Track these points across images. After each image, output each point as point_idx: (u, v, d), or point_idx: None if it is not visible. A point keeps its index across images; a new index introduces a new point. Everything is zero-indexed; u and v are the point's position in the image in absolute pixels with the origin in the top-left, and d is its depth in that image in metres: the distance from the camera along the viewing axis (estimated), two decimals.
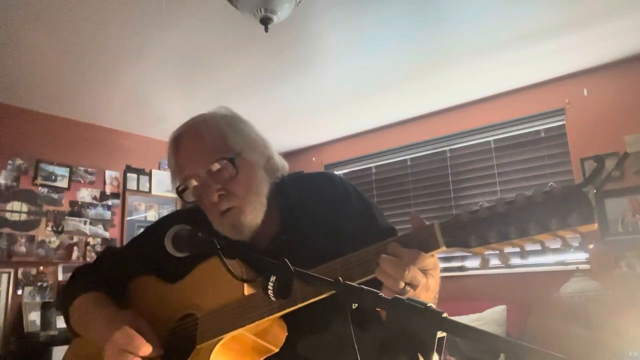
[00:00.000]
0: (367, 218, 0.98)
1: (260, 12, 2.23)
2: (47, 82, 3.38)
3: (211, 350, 0.83)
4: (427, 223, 0.71)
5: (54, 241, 3.83)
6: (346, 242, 0.78)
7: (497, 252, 0.65)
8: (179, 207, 4.65)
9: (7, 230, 3.58)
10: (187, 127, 0.98)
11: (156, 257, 0.94)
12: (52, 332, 3.46)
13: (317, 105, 4.04)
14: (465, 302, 3.62)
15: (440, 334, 0.52)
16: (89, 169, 4.17)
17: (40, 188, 3.82)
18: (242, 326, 0.82)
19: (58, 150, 3.97)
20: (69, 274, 1.11)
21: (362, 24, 2.76)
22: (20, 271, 3.60)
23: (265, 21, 2.28)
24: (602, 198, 3.35)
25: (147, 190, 4.56)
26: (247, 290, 0.84)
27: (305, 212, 0.98)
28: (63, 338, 3.34)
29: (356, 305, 0.58)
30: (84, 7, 2.46)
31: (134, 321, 0.89)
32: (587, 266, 3.34)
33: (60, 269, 3.82)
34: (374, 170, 4.80)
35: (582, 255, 3.43)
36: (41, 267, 3.72)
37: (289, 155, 5.19)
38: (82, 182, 4.11)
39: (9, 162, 3.68)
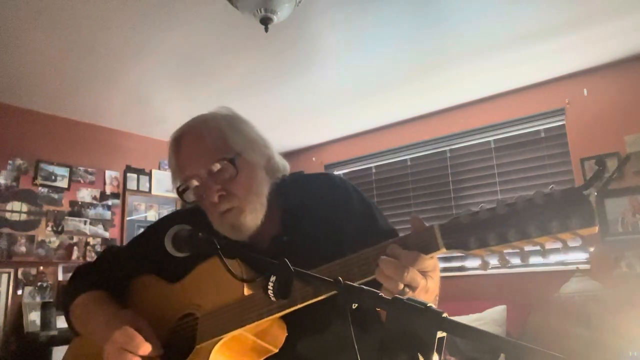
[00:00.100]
0: (368, 219, 0.98)
1: (260, 12, 2.23)
2: (47, 82, 3.38)
3: (210, 350, 0.83)
4: (427, 224, 0.71)
5: (54, 241, 3.83)
6: (346, 243, 0.78)
7: (497, 254, 0.65)
8: (179, 207, 4.65)
9: (7, 230, 3.58)
10: (188, 127, 0.98)
11: (157, 257, 0.94)
12: (52, 332, 3.45)
13: (317, 105, 4.04)
14: (465, 302, 3.62)
15: (440, 334, 0.52)
16: (89, 169, 4.17)
17: (40, 188, 3.82)
18: (241, 326, 0.82)
19: (58, 150, 3.97)
20: (69, 274, 1.11)
21: (362, 24, 2.76)
22: (20, 271, 3.60)
23: (265, 21, 2.28)
24: (602, 198, 3.34)
25: (147, 190, 4.56)
26: (247, 290, 0.84)
27: (305, 213, 0.98)
28: (63, 338, 3.34)
29: (356, 305, 0.58)
30: (84, 7, 2.46)
31: (134, 321, 0.89)
32: (587, 266, 3.34)
33: (60, 269, 3.82)
34: (374, 170, 4.80)
35: (582, 255, 3.43)
36: (41, 267, 3.72)
37: (289, 155, 5.19)
38: (82, 182, 4.11)
39: (9, 162, 3.68)
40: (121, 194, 4.37)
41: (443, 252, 0.70)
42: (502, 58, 3.29)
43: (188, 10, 2.52)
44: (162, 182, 4.64)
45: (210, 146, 0.92)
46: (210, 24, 2.68)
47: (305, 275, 0.65)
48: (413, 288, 0.69)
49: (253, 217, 0.92)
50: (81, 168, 4.11)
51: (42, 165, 3.86)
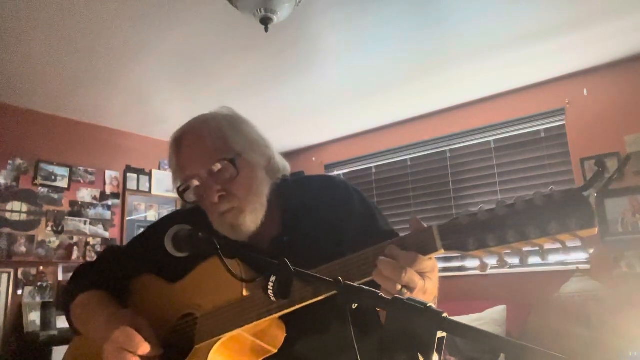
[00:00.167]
0: (368, 220, 0.98)
1: (260, 12, 2.23)
2: (47, 82, 3.38)
3: (209, 351, 0.83)
4: (425, 225, 0.71)
5: (54, 241, 3.83)
6: (347, 244, 0.78)
7: (496, 255, 0.65)
8: (179, 207, 4.65)
9: (7, 230, 3.58)
10: (189, 127, 0.98)
11: (157, 257, 0.95)
12: (52, 332, 3.46)
13: (317, 105, 4.04)
14: (465, 302, 3.62)
15: (440, 334, 0.52)
16: (89, 169, 4.17)
17: (40, 188, 3.82)
18: (240, 326, 0.82)
19: (58, 150, 3.97)
20: (69, 274, 1.11)
21: (362, 24, 2.76)
22: (20, 271, 3.60)
23: (265, 21, 2.28)
24: (602, 198, 3.34)
25: (147, 190, 4.56)
26: (246, 290, 0.84)
27: (306, 213, 0.98)
28: (63, 338, 3.34)
29: (356, 305, 0.58)
30: (84, 7, 2.46)
31: (134, 320, 0.89)
32: (587, 266, 3.34)
33: (60, 269, 3.82)
34: (374, 170, 4.80)
35: (582, 255, 3.42)
36: (41, 267, 3.72)
37: (289, 155, 5.18)
38: (82, 182, 4.11)
39: (9, 162, 3.68)
40: (121, 194, 4.37)
41: (441, 253, 0.70)
42: (502, 58, 3.29)
43: (188, 10, 2.52)
44: (162, 182, 4.64)
45: (210, 146, 0.92)
46: (211, 24, 2.68)
47: (305, 275, 0.65)
48: (411, 289, 0.69)
49: (253, 217, 0.92)
50: (81, 168, 4.11)
51: (42, 165, 3.86)
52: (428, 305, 0.53)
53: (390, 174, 4.67)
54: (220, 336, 0.84)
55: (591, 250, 0.58)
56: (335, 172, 5.07)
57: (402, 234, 0.76)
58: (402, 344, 0.52)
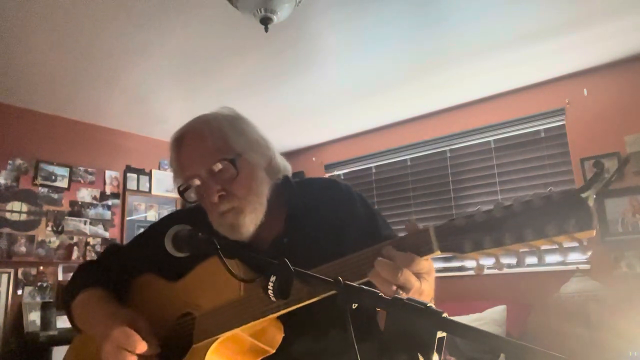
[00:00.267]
0: (370, 224, 0.98)
1: (260, 12, 2.23)
2: (47, 82, 3.38)
3: (207, 350, 0.83)
4: (421, 227, 0.71)
5: (54, 241, 3.83)
6: (347, 248, 0.78)
7: (493, 257, 0.65)
8: (179, 208, 4.65)
9: (7, 230, 3.58)
10: (190, 127, 0.98)
11: (157, 256, 0.95)
12: (52, 332, 3.46)
13: (317, 105, 4.04)
14: (465, 302, 3.62)
15: (440, 334, 0.52)
16: (89, 169, 4.17)
17: (40, 188, 3.82)
18: (238, 326, 0.82)
19: (58, 150, 3.97)
20: (69, 274, 1.12)
21: (362, 24, 2.76)
22: (20, 271, 3.60)
23: (265, 21, 2.28)
24: (602, 198, 3.34)
25: (147, 190, 4.56)
26: (245, 290, 0.84)
27: (308, 216, 0.98)
28: (63, 338, 3.34)
29: (356, 305, 0.58)
30: (85, 7, 2.46)
31: (133, 319, 0.89)
32: (587, 266, 3.34)
33: (60, 269, 3.82)
34: (374, 170, 4.80)
35: (581, 256, 3.43)
36: (41, 267, 3.72)
37: (289, 155, 5.17)
38: (82, 182, 4.11)
39: (9, 162, 3.68)
40: (121, 194, 4.37)
41: (438, 255, 0.69)
42: (502, 58, 3.29)
43: (188, 10, 2.52)
44: (162, 182, 4.64)
45: (211, 146, 0.92)
46: (211, 24, 2.68)
47: (305, 275, 0.65)
48: (407, 290, 0.68)
49: (253, 217, 0.92)
50: (81, 168, 4.11)
51: (42, 165, 3.86)
52: (428, 305, 0.53)
53: (390, 174, 4.67)
54: (218, 336, 0.84)
55: (589, 253, 0.58)
56: (335, 172, 5.07)
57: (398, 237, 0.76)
58: (402, 344, 0.52)
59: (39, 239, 3.75)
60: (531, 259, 0.62)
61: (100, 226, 4.16)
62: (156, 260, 1.00)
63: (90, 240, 4.06)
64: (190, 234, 0.81)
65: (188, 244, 0.81)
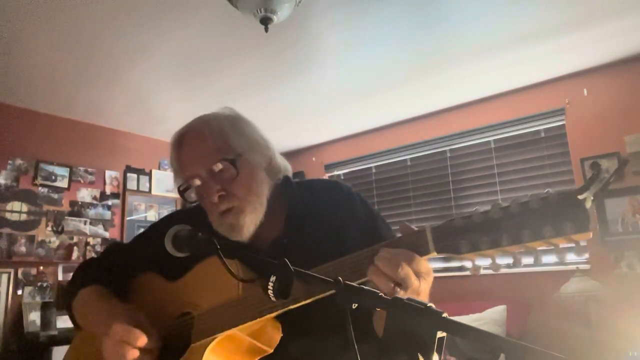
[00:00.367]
0: (371, 227, 0.98)
1: (260, 12, 2.23)
2: (47, 82, 3.38)
3: (205, 349, 0.84)
4: (416, 229, 0.71)
5: (54, 241, 3.83)
6: (348, 250, 0.79)
7: (489, 258, 0.65)
8: (179, 207, 4.65)
9: (7, 230, 3.58)
10: (190, 127, 0.98)
11: (158, 256, 0.95)
12: (52, 332, 3.46)
13: (317, 105, 4.04)
14: (465, 302, 3.62)
15: (440, 334, 0.52)
16: (89, 169, 4.17)
17: (40, 188, 3.82)
18: (236, 326, 0.82)
19: (58, 150, 3.97)
20: (69, 274, 1.12)
21: (362, 24, 2.76)
22: (20, 271, 3.60)
23: (265, 21, 2.28)
24: (602, 198, 3.34)
25: (147, 190, 4.56)
26: (243, 290, 0.84)
27: (309, 217, 0.98)
28: (63, 338, 3.34)
29: (356, 305, 0.58)
30: (85, 7, 2.46)
31: (132, 314, 0.90)
32: (587, 266, 3.34)
33: (60, 269, 3.82)
34: (374, 170, 4.80)
35: (578, 257, 3.43)
36: (41, 267, 3.72)
37: (289, 155, 5.18)
38: (82, 182, 4.11)
39: (9, 162, 3.68)
40: (121, 194, 4.37)
41: (434, 256, 0.69)
42: (502, 58, 3.29)
43: (188, 10, 2.52)
44: (162, 182, 4.64)
45: (211, 146, 0.92)
46: (211, 24, 2.68)
47: (305, 275, 0.65)
48: (405, 287, 0.68)
49: (252, 217, 0.92)
50: (81, 168, 4.11)
51: (42, 165, 3.86)
52: (428, 305, 0.53)
53: (390, 174, 4.67)
54: (216, 335, 0.84)
55: (585, 254, 0.58)
56: (335, 172, 5.07)
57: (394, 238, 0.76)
58: (402, 344, 0.52)
59: (39, 239, 3.75)
60: (527, 260, 0.62)
61: (100, 226, 4.16)
62: (156, 259, 1.00)
63: (90, 240, 4.06)
64: (190, 234, 0.81)
65: (188, 244, 0.81)
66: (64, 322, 3.51)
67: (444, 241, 0.67)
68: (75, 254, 3.92)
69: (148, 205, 4.66)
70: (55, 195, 3.91)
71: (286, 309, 0.78)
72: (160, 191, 4.63)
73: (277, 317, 0.84)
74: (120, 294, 1.02)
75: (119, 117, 4.13)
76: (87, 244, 4.03)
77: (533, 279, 3.54)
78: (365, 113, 4.31)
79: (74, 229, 3.97)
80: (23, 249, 3.64)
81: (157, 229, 1.06)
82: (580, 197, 0.56)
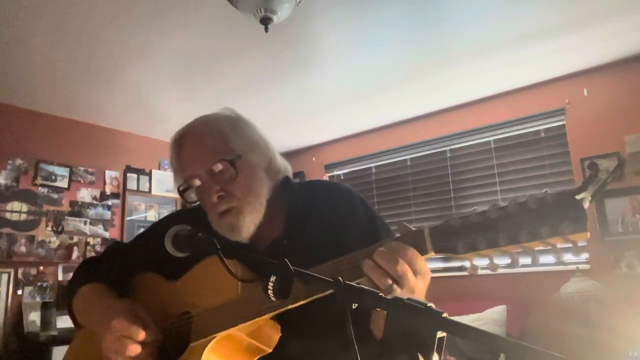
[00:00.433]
0: (371, 229, 0.98)
1: (260, 12, 2.23)
2: (48, 82, 3.38)
3: (203, 349, 0.84)
4: (414, 229, 0.71)
5: (54, 241, 3.83)
6: (347, 251, 0.79)
7: (486, 258, 0.65)
8: (179, 208, 4.65)
9: (7, 230, 3.58)
10: (190, 127, 0.99)
11: (158, 256, 0.95)
12: (52, 332, 3.46)
13: (317, 105, 4.04)
14: (465, 302, 3.62)
15: (440, 334, 0.52)
16: (89, 169, 4.17)
17: (40, 188, 3.82)
18: (234, 325, 0.83)
19: (58, 150, 3.97)
20: (69, 274, 1.13)
21: (362, 24, 2.76)
22: (20, 271, 3.60)
23: (265, 21, 2.28)
24: (602, 198, 3.35)
25: (147, 190, 4.56)
26: (242, 290, 0.85)
27: (309, 219, 0.99)
28: (63, 338, 3.34)
29: (356, 305, 0.58)
30: (85, 7, 2.46)
31: (132, 308, 0.90)
32: (587, 266, 3.34)
33: (60, 269, 3.82)
34: (374, 170, 4.80)
35: (582, 255, 3.43)
36: (41, 267, 3.72)
37: (289, 155, 5.18)
38: (82, 182, 4.11)
39: (9, 162, 3.68)
40: (121, 194, 4.37)
41: (432, 256, 0.69)
42: (502, 58, 3.29)
43: (188, 10, 2.52)
44: (162, 182, 4.64)
45: (210, 147, 0.93)
46: (211, 24, 2.68)
47: (305, 275, 0.65)
48: (402, 284, 0.68)
49: (252, 218, 0.93)
50: (81, 168, 4.11)
51: (42, 165, 3.86)
52: (428, 305, 0.53)
53: (390, 174, 4.67)
54: (215, 335, 0.84)
55: (582, 254, 0.58)
56: (335, 172, 5.07)
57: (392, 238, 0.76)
58: (402, 344, 0.52)
59: (39, 239, 3.75)
60: (525, 260, 0.62)
61: (100, 226, 4.16)
62: (156, 259, 1.00)
63: (90, 240, 4.06)
64: (190, 234, 0.82)
65: (188, 244, 0.81)
66: (64, 322, 3.51)
67: (441, 241, 0.67)
68: (75, 254, 3.92)
69: (148, 205, 4.66)
70: (55, 195, 3.91)
71: (285, 308, 0.78)
72: (160, 191, 4.63)
73: (276, 317, 0.84)
74: (121, 293, 1.02)
75: (119, 117, 4.13)
76: (87, 244, 4.03)
77: (533, 279, 3.54)
78: (365, 113, 4.31)
79: (74, 229, 3.97)
80: (23, 249, 3.64)
81: (158, 229, 1.06)
82: (577, 197, 0.56)
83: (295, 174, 1.09)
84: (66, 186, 3.98)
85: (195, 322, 0.90)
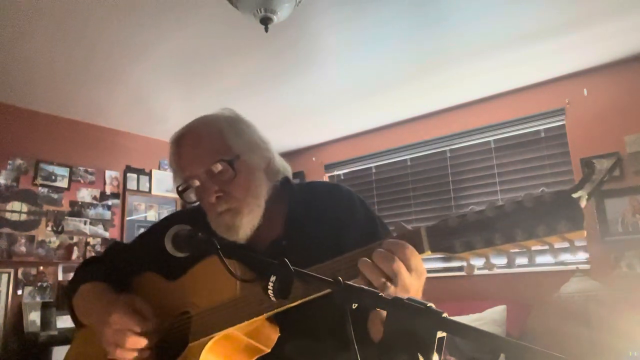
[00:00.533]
0: (370, 231, 0.98)
1: (260, 12, 2.23)
2: (48, 82, 3.38)
3: (202, 349, 0.84)
4: (410, 228, 0.71)
5: (54, 241, 3.83)
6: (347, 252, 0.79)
7: (483, 257, 0.64)
8: (179, 208, 4.65)
9: (7, 230, 3.58)
10: (189, 128, 0.99)
11: (158, 256, 0.95)
12: (52, 332, 3.46)
13: (317, 105, 4.04)
14: (465, 302, 3.62)
15: (440, 334, 0.52)
16: (89, 169, 4.17)
17: (40, 188, 3.82)
18: (232, 325, 0.83)
19: (58, 150, 3.97)
20: (69, 274, 1.13)
21: (362, 24, 2.76)
22: (20, 271, 3.60)
23: (265, 21, 2.28)
24: (602, 198, 3.34)
25: (147, 190, 4.56)
26: (241, 290, 0.85)
27: (309, 220, 0.99)
28: (63, 338, 3.34)
29: (356, 305, 0.58)
30: (85, 7, 2.46)
31: (131, 302, 0.90)
32: (587, 266, 3.34)
33: (60, 269, 3.81)
34: (374, 170, 4.80)
35: (582, 255, 3.43)
36: (41, 267, 3.72)
37: (289, 155, 5.18)
38: (82, 182, 4.11)
39: (9, 162, 3.68)
40: (121, 194, 4.37)
41: (428, 255, 0.69)
42: (502, 58, 3.29)
43: (188, 10, 2.52)
44: (162, 182, 4.64)
45: (209, 147, 0.93)
46: (211, 24, 2.68)
47: (305, 275, 0.65)
48: (396, 282, 0.67)
49: (250, 218, 0.93)
50: (81, 168, 4.11)
51: (42, 165, 3.86)
52: (428, 305, 0.53)
53: (390, 174, 4.67)
54: (214, 335, 0.84)
55: (585, 255, 0.58)
56: (335, 172, 5.07)
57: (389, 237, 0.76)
58: (402, 344, 0.52)
59: (39, 239, 3.75)
60: (522, 260, 0.62)
61: (100, 226, 4.16)
62: (157, 259, 1.00)
63: (90, 240, 4.06)
64: (190, 233, 0.82)
65: (188, 244, 0.81)
66: (64, 322, 3.51)
67: (438, 240, 0.67)
68: (75, 254, 3.92)
69: (148, 205, 4.65)
70: (55, 195, 3.91)
71: (283, 308, 0.78)
72: (160, 191, 4.63)
73: (274, 317, 0.84)
74: (121, 291, 1.03)
75: (119, 117, 4.13)
76: (87, 244, 4.03)
77: (533, 279, 3.54)
78: (365, 113, 4.31)
79: (74, 229, 3.97)
80: (23, 249, 3.64)
81: (158, 229, 1.07)
82: (574, 195, 0.56)
83: (295, 174, 1.09)
84: (66, 186, 3.98)
85: (194, 322, 0.90)
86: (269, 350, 0.87)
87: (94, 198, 4.16)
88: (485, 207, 0.63)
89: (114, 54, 2.98)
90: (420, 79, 3.59)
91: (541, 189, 0.59)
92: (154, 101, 3.80)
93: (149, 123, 4.26)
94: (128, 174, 4.45)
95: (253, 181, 0.94)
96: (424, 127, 4.40)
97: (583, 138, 3.55)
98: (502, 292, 3.58)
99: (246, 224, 0.92)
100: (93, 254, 3.92)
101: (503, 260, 0.64)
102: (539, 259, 0.60)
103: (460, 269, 3.94)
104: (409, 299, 0.55)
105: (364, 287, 0.59)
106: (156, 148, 4.58)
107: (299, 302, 0.76)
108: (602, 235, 3.32)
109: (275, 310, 0.79)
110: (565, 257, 3.44)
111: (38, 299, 3.62)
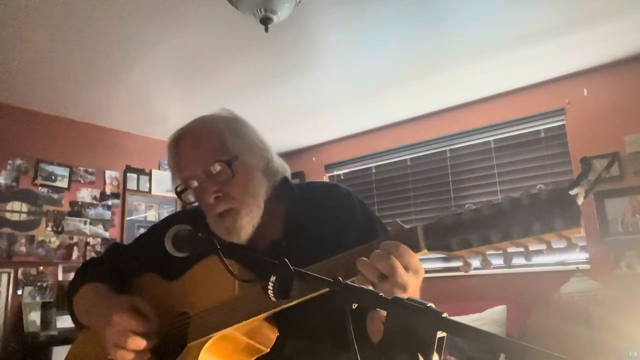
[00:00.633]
0: (369, 232, 0.98)
1: (260, 12, 2.23)
2: (48, 82, 3.38)
3: (200, 349, 0.84)
4: (407, 227, 0.71)
5: (54, 241, 3.83)
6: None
7: (480, 255, 0.64)
8: (179, 208, 4.65)
9: (7, 230, 3.58)
10: (187, 128, 0.99)
11: (158, 256, 0.95)
12: (52, 332, 3.46)
13: (317, 105, 4.04)
14: (465, 302, 3.62)
15: (440, 334, 0.52)
16: (89, 169, 4.17)
17: (40, 188, 3.82)
18: (231, 325, 0.83)
19: (58, 150, 3.97)
20: (69, 274, 1.13)
21: (362, 24, 2.76)
22: (20, 271, 3.60)
23: (265, 21, 2.28)
24: (602, 198, 3.34)
25: (147, 190, 4.56)
26: (240, 290, 0.85)
27: (308, 221, 0.99)
28: (63, 338, 3.34)
29: (356, 305, 0.58)
30: (86, 7, 2.46)
31: (132, 302, 0.91)
32: (587, 266, 3.34)
33: (60, 269, 3.81)
34: (374, 170, 4.80)
35: (582, 255, 3.43)
36: (41, 267, 3.72)
37: (289, 155, 5.18)
38: (82, 182, 4.11)
39: (9, 162, 3.68)
40: (121, 194, 4.37)
41: (425, 254, 0.69)
42: (502, 58, 3.29)
43: (188, 10, 2.52)
44: (162, 182, 4.64)
45: (208, 148, 0.93)
46: (211, 24, 2.68)
47: (305, 275, 0.65)
48: (392, 280, 0.67)
49: (249, 219, 0.92)
50: (81, 168, 4.11)
51: (42, 165, 3.86)
52: (428, 305, 0.53)
53: (390, 174, 4.67)
54: (212, 335, 0.84)
55: (576, 251, 0.58)
56: (335, 172, 5.07)
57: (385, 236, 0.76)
58: (402, 344, 0.52)
59: (39, 239, 3.75)
60: (519, 259, 0.62)
61: (100, 226, 4.16)
62: (157, 260, 1.00)
63: (90, 240, 4.06)
64: (190, 234, 0.82)
65: (188, 244, 0.81)
66: (64, 322, 3.51)
67: (435, 239, 0.66)
68: (75, 254, 3.92)
69: (148, 205, 4.65)
70: (55, 195, 3.91)
71: (282, 307, 0.78)
72: (160, 191, 4.63)
73: (273, 317, 0.84)
74: (121, 292, 1.03)
75: (119, 117, 4.13)
76: (87, 244, 4.03)
77: (533, 279, 3.54)
78: (365, 113, 4.31)
79: (74, 229, 3.97)
80: (23, 249, 3.64)
81: (158, 229, 1.07)
82: (571, 192, 0.56)
83: (295, 174, 1.09)
84: (66, 186, 3.98)
85: (192, 322, 0.90)
86: (267, 350, 0.87)
87: (94, 198, 4.16)
88: (482, 205, 0.62)
89: (114, 54, 2.98)
90: (420, 79, 3.59)
91: (538, 186, 0.59)
92: (154, 101, 3.80)
93: (149, 123, 4.26)
94: (128, 174, 4.45)
95: (251, 181, 0.94)
96: (424, 127, 4.40)
97: (583, 138, 3.55)
98: (502, 292, 3.58)
99: (246, 225, 0.92)
100: (93, 254, 3.93)
101: (500, 259, 0.64)
102: (539, 259, 0.60)
103: (460, 268, 3.93)
104: (409, 299, 0.55)
105: (364, 287, 0.59)
106: (156, 148, 4.58)
107: (298, 301, 0.76)
108: (602, 235, 3.32)
109: (274, 310, 0.79)
110: (565, 257, 3.44)
111: (38, 299, 3.62)
